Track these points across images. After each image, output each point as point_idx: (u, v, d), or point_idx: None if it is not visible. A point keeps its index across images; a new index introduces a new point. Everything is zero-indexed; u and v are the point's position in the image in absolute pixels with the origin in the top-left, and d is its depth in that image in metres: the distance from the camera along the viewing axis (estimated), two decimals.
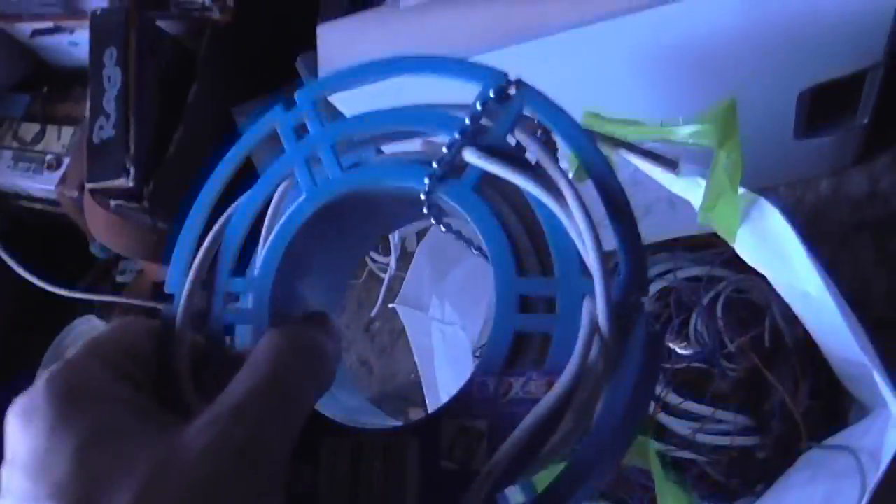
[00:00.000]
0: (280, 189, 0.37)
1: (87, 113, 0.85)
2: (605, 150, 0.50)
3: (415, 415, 0.87)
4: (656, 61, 0.62)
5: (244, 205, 0.36)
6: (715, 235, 0.73)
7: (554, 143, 0.33)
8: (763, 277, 0.70)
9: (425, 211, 0.34)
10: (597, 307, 0.28)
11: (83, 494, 0.26)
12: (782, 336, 0.69)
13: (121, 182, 0.82)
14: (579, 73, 0.62)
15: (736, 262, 0.72)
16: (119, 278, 1.07)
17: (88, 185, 0.85)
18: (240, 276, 0.36)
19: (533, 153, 0.32)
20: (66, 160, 0.94)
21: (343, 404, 0.37)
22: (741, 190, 0.49)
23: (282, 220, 0.36)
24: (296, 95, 0.36)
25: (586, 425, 0.29)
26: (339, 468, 0.31)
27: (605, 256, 0.29)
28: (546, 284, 0.30)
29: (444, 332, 0.67)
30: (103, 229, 0.88)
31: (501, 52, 0.59)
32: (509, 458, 0.28)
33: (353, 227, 0.39)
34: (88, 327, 1.05)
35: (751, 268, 0.71)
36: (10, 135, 1.00)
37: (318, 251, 0.38)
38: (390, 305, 0.69)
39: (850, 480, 0.52)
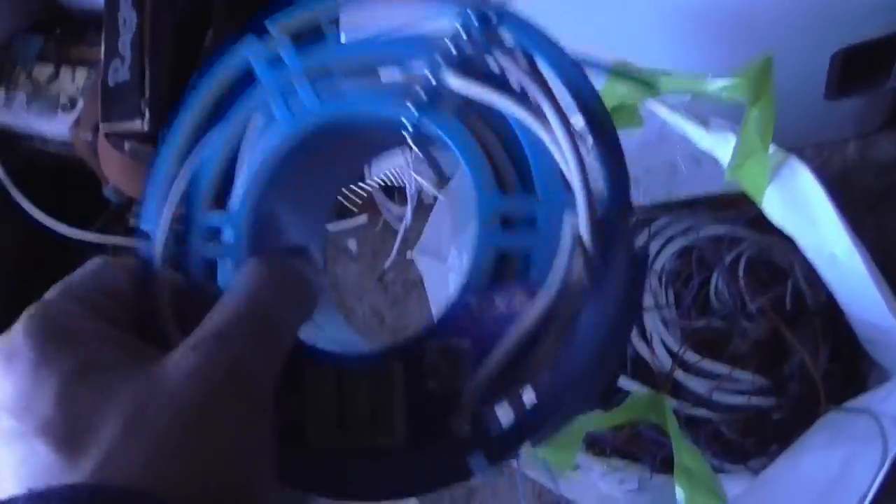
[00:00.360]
0: (253, 121, 0.35)
1: (102, 55, 0.83)
2: (633, 100, 0.49)
3: None
4: (686, 18, 0.60)
5: (216, 137, 0.35)
6: (739, 194, 0.72)
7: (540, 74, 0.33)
8: (786, 239, 0.69)
9: (410, 140, 0.34)
10: (578, 220, 0.29)
11: (69, 428, 0.26)
12: (804, 298, 0.68)
13: (136, 125, 0.81)
14: (605, 28, 0.61)
15: (759, 223, 0.71)
16: (133, 222, 1.07)
17: (103, 128, 0.83)
18: (217, 210, 0.35)
19: (515, 76, 0.32)
20: (81, 102, 0.93)
21: (329, 336, 0.36)
22: (771, 148, 0.47)
23: (258, 153, 0.35)
24: (268, 24, 0.36)
25: (568, 340, 0.29)
26: (324, 395, 0.31)
27: (585, 171, 0.29)
28: (528, 201, 0.31)
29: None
30: (117, 172, 0.87)
31: None
32: (493, 373, 0.29)
33: (334, 156, 0.39)
34: None
35: (774, 228, 0.70)
36: (24, 76, 0.99)
37: (298, 182, 0.37)
38: (407, 256, 0.68)
39: (871, 444, 0.52)
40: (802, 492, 0.54)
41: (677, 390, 0.68)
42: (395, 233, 0.88)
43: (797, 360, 0.66)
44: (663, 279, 0.71)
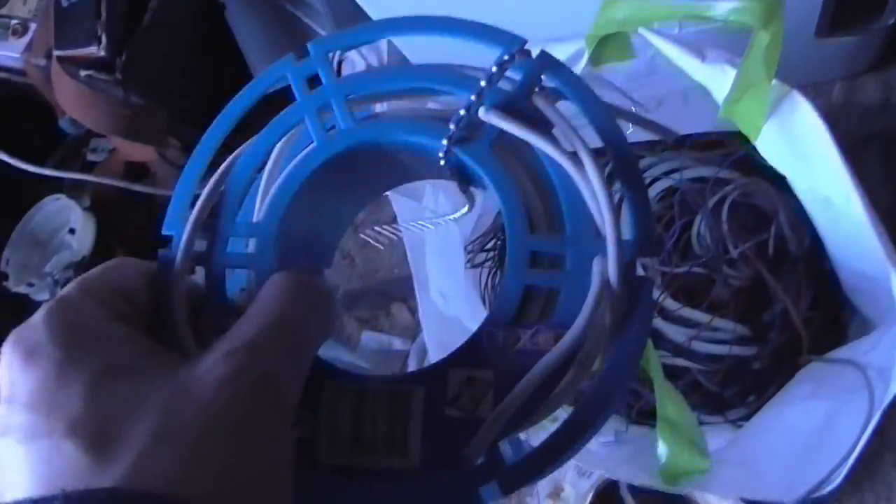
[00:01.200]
0: (284, 138, 0.37)
1: None
2: (628, 28, 0.46)
3: (396, 310, 0.85)
4: None
5: (250, 150, 0.36)
6: (725, 134, 0.69)
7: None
8: (772, 182, 0.67)
9: (447, 172, 0.35)
10: (608, 266, 0.30)
11: (99, 430, 0.26)
12: (787, 245, 0.66)
13: (91, 50, 0.77)
14: None
15: (744, 165, 0.69)
16: (90, 157, 1.02)
17: (56, 53, 0.79)
18: (241, 220, 0.36)
19: (553, 120, 0.33)
20: (33, 26, 0.88)
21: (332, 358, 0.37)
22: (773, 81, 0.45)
23: (290, 168, 0.36)
24: (309, 46, 0.37)
25: (587, 377, 0.30)
26: (340, 414, 0.31)
27: (618, 219, 0.30)
28: (557, 243, 0.32)
29: (436, 224, 0.64)
30: (72, 101, 0.83)
31: None
32: (516, 406, 0.29)
33: (364, 177, 0.40)
34: (57, 207, 1.01)
35: (760, 171, 0.68)
36: None
37: (326, 199, 0.38)
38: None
39: (857, 395, 0.50)
40: (787, 443, 0.53)
41: (655, 339, 0.66)
42: None
43: (779, 308, 0.65)
44: None
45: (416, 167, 0.39)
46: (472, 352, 0.31)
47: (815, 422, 0.53)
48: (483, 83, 0.33)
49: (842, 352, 0.59)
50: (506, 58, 0.33)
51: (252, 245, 0.35)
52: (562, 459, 0.30)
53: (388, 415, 0.31)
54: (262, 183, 0.36)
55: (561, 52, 0.49)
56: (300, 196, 0.35)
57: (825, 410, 0.53)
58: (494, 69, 0.33)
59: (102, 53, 0.77)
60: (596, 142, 0.33)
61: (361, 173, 0.39)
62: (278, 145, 0.36)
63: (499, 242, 0.72)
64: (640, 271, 0.31)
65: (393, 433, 0.31)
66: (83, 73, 0.79)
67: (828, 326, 0.66)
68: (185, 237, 0.34)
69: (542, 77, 0.34)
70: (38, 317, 0.29)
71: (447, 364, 0.31)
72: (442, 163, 0.34)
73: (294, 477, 0.29)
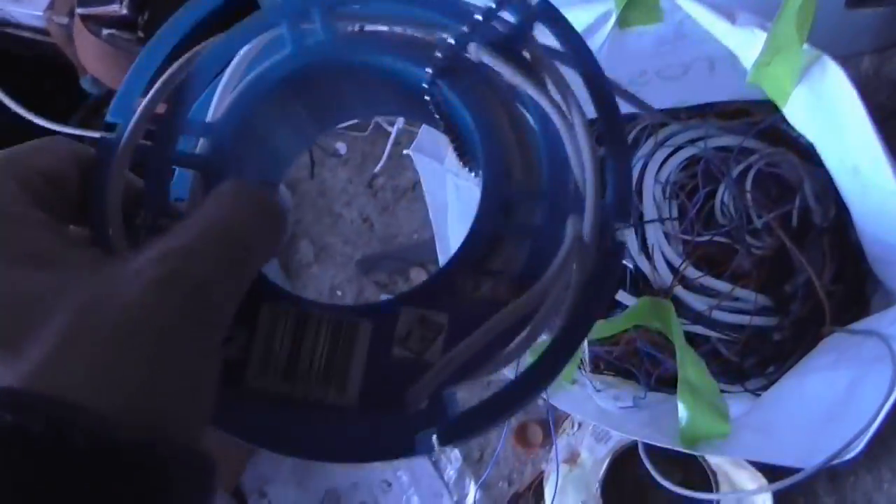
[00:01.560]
0: (258, 39, 0.34)
1: None
2: None
3: (415, 275, 0.84)
4: None
5: (216, 47, 0.33)
6: (750, 105, 0.69)
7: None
8: (797, 153, 0.66)
9: (430, 108, 0.33)
10: (584, 225, 0.29)
11: (8, 322, 0.24)
12: (811, 216, 0.66)
13: (114, 8, 0.76)
14: None
15: (770, 134, 0.68)
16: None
17: (79, 11, 0.79)
18: (196, 118, 0.33)
19: (542, 67, 0.32)
20: None
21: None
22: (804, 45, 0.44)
23: (258, 72, 0.33)
24: None
25: (540, 335, 0.29)
26: (277, 337, 0.30)
27: (602, 180, 0.29)
28: (532, 194, 0.31)
29: (458, 187, 0.64)
30: (94, 60, 0.82)
31: None
32: (467, 355, 0.28)
33: (333, 97, 0.37)
34: None
35: (785, 141, 0.67)
36: None
37: (290, 112, 0.36)
38: (403, 153, 0.65)
39: (879, 365, 0.50)
40: (808, 411, 0.52)
41: (676, 307, 0.65)
42: (387, 136, 0.85)
43: (801, 279, 0.64)
44: (667, 191, 0.68)
45: (390, 96, 0.37)
46: (429, 291, 0.30)
47: (837, 391, 0.52)
48: (478, 17, 0.31)
49: (865, 323, 0.58)
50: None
51: (204, 146, 0.33)
52: (507, 417, 0.29)
53: (330, 345, 0.29)
54: (223, 82, 0.33)
55: (590, 13, 0.49)
56: (264, 102, 0.33)
57: (847, 380, 0.52)
58: (493, 5, 0.31)
59: (125, 12, 0.76)
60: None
61: (333, 92, 0.36)
62: (246, 47, 0.33)
63: None
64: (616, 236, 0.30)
65: (332, 365, 0.29)
66: (105, 31, 0.79)
67: (851, 299, 0.66)
68: (131, 125, 0.31)
69: (539, 25, 0.32)
70: None
71: (401, 300, 0.30)
72: (426, 93, 0.32)
73: (217, 398, 0.26)
